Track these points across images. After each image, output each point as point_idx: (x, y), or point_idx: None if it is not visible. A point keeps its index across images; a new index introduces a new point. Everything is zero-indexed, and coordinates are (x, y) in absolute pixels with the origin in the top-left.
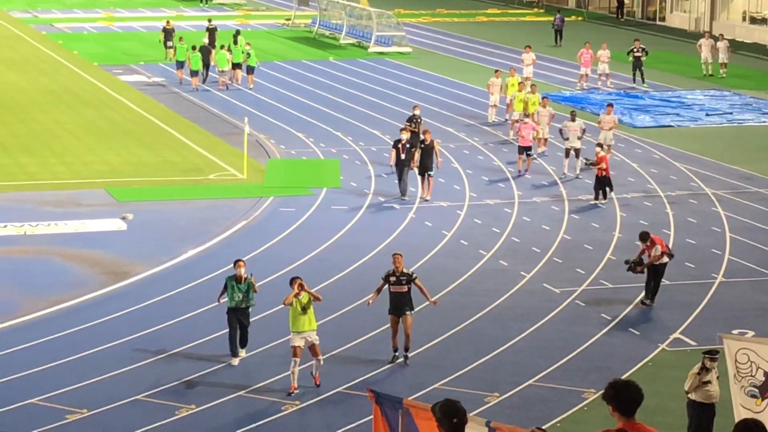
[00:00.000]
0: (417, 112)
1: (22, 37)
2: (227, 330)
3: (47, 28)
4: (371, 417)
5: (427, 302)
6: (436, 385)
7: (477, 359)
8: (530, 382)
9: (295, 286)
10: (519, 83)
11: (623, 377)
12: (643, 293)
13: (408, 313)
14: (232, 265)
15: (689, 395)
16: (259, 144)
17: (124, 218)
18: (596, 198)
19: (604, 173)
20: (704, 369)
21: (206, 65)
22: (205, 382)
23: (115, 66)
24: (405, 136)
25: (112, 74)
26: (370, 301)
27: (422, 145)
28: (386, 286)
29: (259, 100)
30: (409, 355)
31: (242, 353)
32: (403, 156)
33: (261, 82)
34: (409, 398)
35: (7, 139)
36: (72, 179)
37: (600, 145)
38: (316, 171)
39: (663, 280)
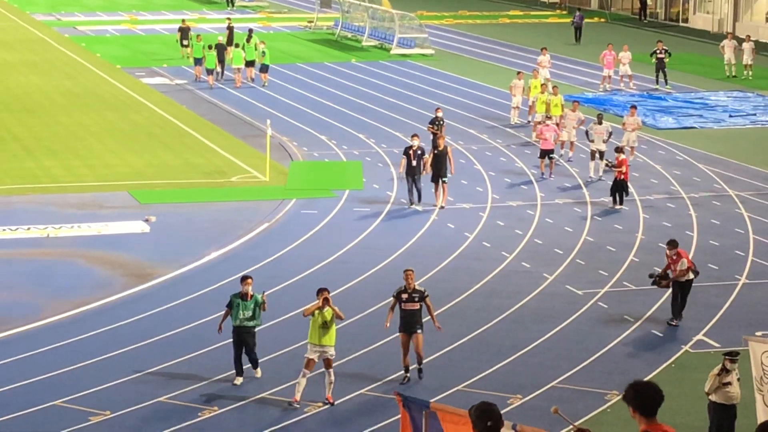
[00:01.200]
0: (440, 114)
1: (45, 39)
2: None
3: (70, 30)
4: (379, 425)
5: (448, 305)
6: (458, 387)
7: (500, 361)
8: (553, 384)
9: (321, 300)
10: (541, 85)
11: (646, 379)
12: (670, 315)
13: (419, 331)
14: (253, 268)
15: (710, 396)
16: (281, 146)
17: (147, 220)
18: (613, 203)
19: (623, 176)
20: (724, 370)
21: (221, 62)
22: (230, 385)
23: (138, 68)
24: (416, 142)
25: (135, 77)
26: (387, 324)
27: (435, 152)
28: (399, 303)
29: (282, 103)
30: (426, 361)
31: (258, 373)
32: (414, 163)
33: (283, 84)
34: (433, 400)
35: (31, 142)
36: (95, 182)
37: (620, 149)
38: (339, 173)
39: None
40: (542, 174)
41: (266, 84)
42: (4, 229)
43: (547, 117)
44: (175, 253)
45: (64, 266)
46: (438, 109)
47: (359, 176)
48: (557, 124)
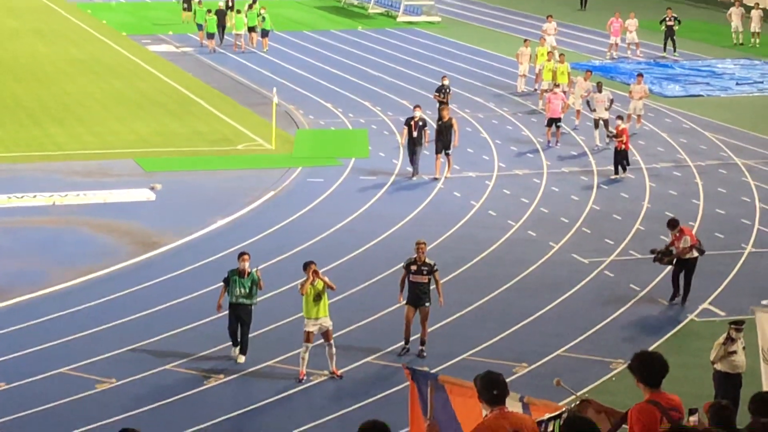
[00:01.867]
0: (446, 82)
1: (51, 7)
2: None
3: None
4: (384, 393)
5: (453, 274)
6: (464, 356)
7: (505, 330)
8: (558, 352)
9: (310, 273)
10: (548, 53)
11: (651, 348)
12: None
13: (426, 305)
14: (259, 236)
15: (715, 365)
16: (287, 114)
17: (152, 188)
18: (615, 172)
19: (623, 146)
20: (730, 339)
21: (222, 27)
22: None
23: (144, 36)
24: (418, 113)
25: (141, 44)
26: (401, 299)
27: (440, 123)
28: (407, 273)
29: (288, 70)
30: (432, 329)
31: (241, 358)
32: (415, 134)
33: (289, 52)
34: (437, 369)
35: (37, 110)
36: (101, 149)
37: (620, 117)
38: (345, 141)
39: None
40: (548, 142)
41: (266, 50)
42: (9, 197)
43: (554, 85)
44: (180, 221)
45: (70, 234)
46: (444, 77)
47: (365, 144)
48: (564, 93)
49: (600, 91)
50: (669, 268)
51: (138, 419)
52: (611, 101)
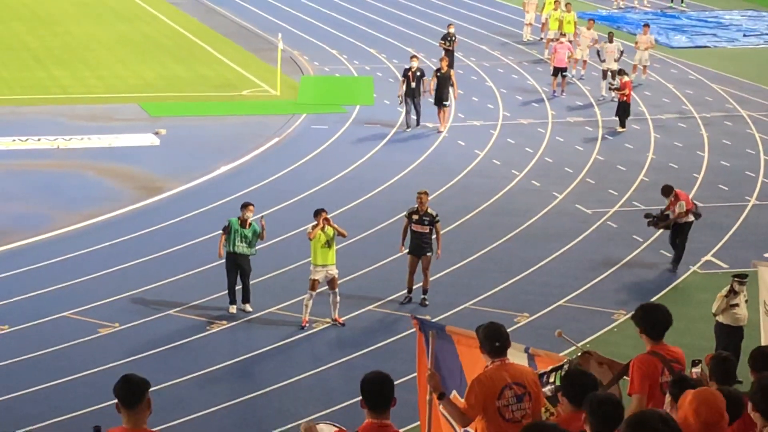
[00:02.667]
0: (451, 30)
1: None
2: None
3: None
4: (386, 342)
5: (456, 223)
6: (466, 305)
7: (507, 279)
8: (560, 302)
9: (321, 220)
10: (555, 1)
11: (653, 299)
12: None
13: (428, 253)
14: (262, 183)
15: (717, 317)
16: (292, 60)
17: (157, 133)
18: (621, 125)
19: (625, 99)
20: (732, 292)
21: None
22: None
23: None
24: (415, 63)
25: None
26: (402, 247)
27: (438, 74)
28: (409, 222)
29: (293, 16)
30: (434, 278)
31: (248, 307)
32: (413, 85)
33: None
34: (439, 318)
35: (41, 52)
36: (105, 93)
37: (623, 71)
38: (350, 88)
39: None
40: (554, 92)
41: None
42: (14, 140)
43: (561, 34)
44: (184, 166)
45: (74, 178)
46: (450, 25)
47: (370, 92)
48: (570, 42)
49: (611, 42)
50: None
51: (140, 364)
52: (621, 53)
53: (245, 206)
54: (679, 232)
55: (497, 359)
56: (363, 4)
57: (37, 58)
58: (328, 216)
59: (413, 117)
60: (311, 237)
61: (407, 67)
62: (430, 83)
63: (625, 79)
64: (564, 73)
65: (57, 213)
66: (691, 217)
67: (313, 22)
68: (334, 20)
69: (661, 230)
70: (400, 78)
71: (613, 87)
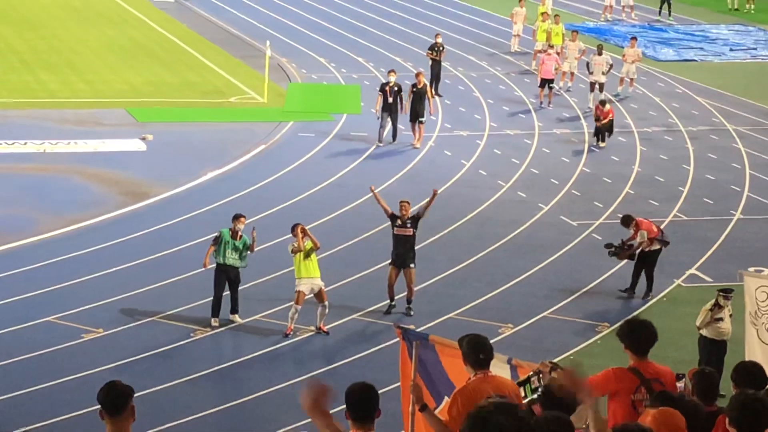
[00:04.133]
0: (439, 40)
1: None
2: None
3: None
4: (370, 351)
5: (442, 233)
6: (451, 315)
7: (492, 290)
8: (544, 314)
9: (299, 232)
10: (542, 13)
11: (638, 312)
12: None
13: (411, 266)
14: (249, 189)
15: (701, 331)
16: (280, 67)
17: (143, 139)
18: (597, 141)
19: (606, 120)
20: (717, 306)
21: None
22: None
23: None
24: (392, 78)
25: None
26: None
27: (414, 89)
28: (392, 228)
29: (281, 24)
30: (418, 288)
31: (237, 318)
32: (390, 100)
33: (283, 5)
34: (424, 327)
35: (28, 55)
36: (92, 98)
37: (603, 102)
38: (337, 96)
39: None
40: (540, 103)
41: None
42: (0, 143)
43: (549, 46)
44: (171, 172)
45: (60, 182)
46: (437, 35)
47: (357, 100)
48: (558, 54)
49: (600, 54)
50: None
51: (124, 370)
52: (610, 66)
53: (237, 218)
54: (645, 262)
55: (480, 372)
56: (351, 13)
57: (24, 62)
58: (305, 227)
59: (388, 132)
60: (294, 251)
61: (384, 81)
62: (406, 104)
63: (607, 107)
64: (551, 85)
65: (42, 217)
66: (657, 245)
67: (301, 30)
68: (322, 28)
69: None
70: (378, 92)
71: (597, 129)
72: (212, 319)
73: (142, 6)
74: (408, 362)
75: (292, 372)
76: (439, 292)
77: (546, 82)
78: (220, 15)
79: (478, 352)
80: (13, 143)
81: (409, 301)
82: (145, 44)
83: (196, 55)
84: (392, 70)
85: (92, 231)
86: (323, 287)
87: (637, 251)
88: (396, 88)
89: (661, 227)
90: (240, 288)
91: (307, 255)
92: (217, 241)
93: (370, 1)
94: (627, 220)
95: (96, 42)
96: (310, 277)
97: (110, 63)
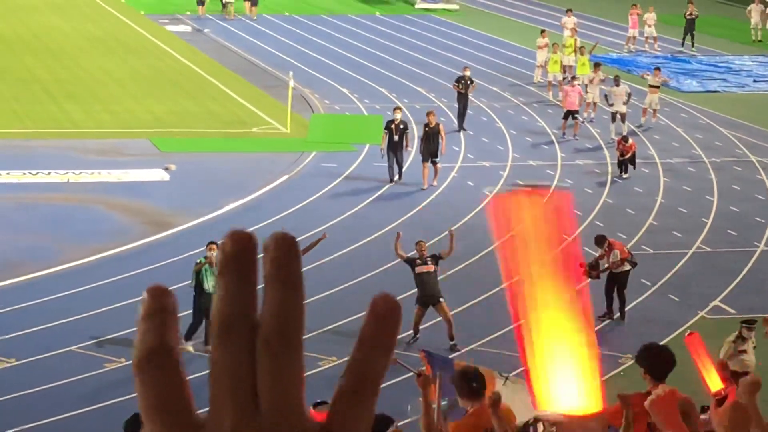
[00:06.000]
0: (467, 73)
1: None
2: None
3: None
4: (391, 381)
5: (465, 263)
6: (473, 346)
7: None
8: None
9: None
10: (553, 44)
11: (661, 343)
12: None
13: (441, 300)
14: (271, 220)
15: None
16: (303, 98)
17: (167, 168)
18: (621, 172)
19: (629, 154)
20: (741, 338)
21: None
22: None
23: (161, 15)
24: (398, 116)
25: (158, 23)
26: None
27: (426, 129)
28: (413, 270)
29: (304, 54)
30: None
31: (189, 347)
32: (396, 138)
33: (306, 36)
34: (449, 357)
35: (53, 85)
36: (116, 128)
37: (625, 138)
38: (360, 127)
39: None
40: (563, 134)
41: (255, 18)
42: (24, 173)
43: (572, 77)
44: (194, 202)
45: (83, 212)
46: (466, 68)
47: (380, 130)
48: (586, 84)
49: (618, 85)
50: (681, 261)
51: None
52: (629, 95)
53: (209, 245)
54: (616, 282)
55: (476, 402)
56: (374, 44)
57: (48, 92)
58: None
59: (395, 170)
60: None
61: (390, 119)
62: (407, 141)
63: (629, 142)
64: (575, 116)
65: (66, 246)
66: (627, 266)
67: (323, 61)
68: (345, 59)
69: (675, 265)
70: (384, 130)
71: (621, 167)
72: (190, 344)
73: (166, 36)
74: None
75: (310, 400)
76: (463, 323)
77: (570, 114)
78: (242, 45)
79: (470, 382)
80: (36, 173)
81: (451, 338)
82: (169, 74)
83: (219, 85)
84: (398, 108)
85: (115, 261)
86: None
87: (607, 271)
88: (402, 126)
89: (632, 251)
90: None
91: None
92: (198, 272)
93: (392, 31)
94: (601, 240)
95: (120, 72)
96: None
97: (134, 93)
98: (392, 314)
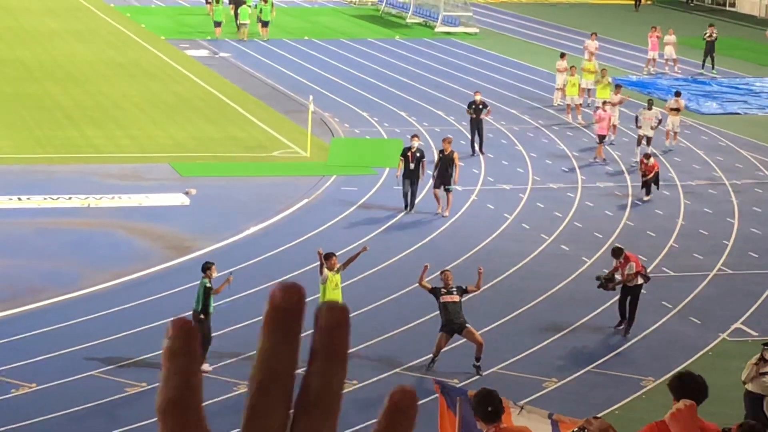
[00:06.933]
0: (478, 97)
1: (89, 9)
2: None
3: (116, 0)
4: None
5: (485, 287)
6: (494, 369)
7: (536, 344)
8: (589, 368)
9: (334, 262)
10: (571, 67)
11: (683, 366)
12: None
13: (467, 326)
14: (291, 244)
15: (746, 385)
16: (323, 122)
17: (187, 193)
18: (646, 194)
19: (651, 174)
20: (763, 360)
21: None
22: None
23: (182, 40)
24: (416, 143)
25: (179, 48)
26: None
27: (441, 155)
28: (437, 299)
29: (324, 78)
30: (463, 341)
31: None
32: (412, 166)
33: (326, 60)
34: (467, 382)
35: (74, 111)
36: (137, 153)
37: (648, 155)
38: (380, 150)
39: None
40: (600, 160)
41: (266, 39)
42: (45, 198)
43: (603, 102)
44: (214, 226)
45: (104, 237)
46: (477, 92)
47: (400, 154)
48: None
49: (650, 109)
50: (703, 283)
51: None
52: (659, 121)
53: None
54: (629, 295)
55: (492, 425)
56: (394, 67)
57: (69, 118)
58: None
59: (410, 199)
60: (324, 281)
61: (407, 146)
62: (422, 169)
63: (651, 161)
64: (603, 141)
65: (86, 271)
66: (641, 280)
67: (344, 84)
68: (364, 83)
69: (695, 287)
70: (400, 157)
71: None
72: (206, 365)
73: (186, 61)
74: (446, 417)
75: None
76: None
77: (602, 138)
78: (262, 70)
79: (486, 404)
80: (57, 198)
81: (477, 359)
82: (189, 99)
83: (239, 109)
84: (415, 135)
85: (136, 285)
86: None
87: (621, 284)
88: (418, 154)
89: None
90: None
91: (337, 285)
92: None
93: (412, 55)
94: (618, 252)
95: (140, 97)
96: None
97: (154, 118)
98: (340, 323)
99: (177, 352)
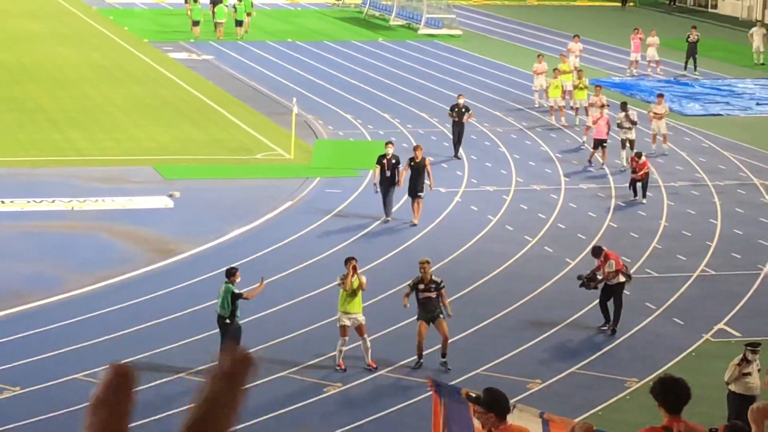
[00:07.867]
0: (461, 101)
1: (73, 12)
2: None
3: (98, 3)
4: (397, 407)
5: (469, 288)
6: (478, 371)
7: (520, 345)
8: (573, 369)
9: (350, 268)
10: (554, 69)
11: (666, 367)
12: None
13: (441, 317)
14: (276, 246)
15: (729, 386)
16: (306, 124)
17: (171, 196)
18: (635, 195)
19: (642, 175)
20: (745, 361)
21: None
22: None
23: (165, 43)
24: (390, 150)
25: (162, 51)
26: (406, 304)
27: (412, 163)
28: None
29: (308, 80)
30: (449, 344)
31: None
32: (388, 173)
33: (310, 62)
34: (453, 383)
35: (57, 114)
36: (120, 155)
37: (639, 154)
38: (364, 152)
39: (707, 268)
40: (590, 163)
41: (239, 37)
42: (28, 201)
43: (601, 105)
44: (198, 229)
45: (88, 240)
46: (460, 95)
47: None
48: (584, 108)
49: (625, 111)
50: (686, 285)
51: (154, 428)
52: (634, 123)
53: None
54: (612, 294)
55: (497, 425)
56: (377, 69)
57: (52, 121)
58: (356, 264)
59: (387, 207)
60: (345, 288)
61: (382, 153)
62: (400, 178)
63: (642, 159)
64: (604, 144)
65: (70, 274)
66: (622, 278)
67: (327, 87)
68: (348, 85)
69: (680, 288)
70: (375, 165)
71: (634, 174)
72: None
73: (169, 64)
74: (440, 415)
75: (318, 427)
76: (467, 348)
77: (599, 143)
78: (246, 72)
79: (493, 406)
80: (41, 201)
81: (443, 355)
82: (173, 102)
83: (223, 112)
84: (390, 142)
85: (120, 288)
86: (363, 323)
87: (602, 283)
88: (394, 161)
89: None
90: (264, 345)
91: (354, 292)
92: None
93: (396, 57)
94: (597, 251)
95: (124, 100)
96: (350, 312)
97: (138, 121)
98: (236, 375)
99: (104, 401)
